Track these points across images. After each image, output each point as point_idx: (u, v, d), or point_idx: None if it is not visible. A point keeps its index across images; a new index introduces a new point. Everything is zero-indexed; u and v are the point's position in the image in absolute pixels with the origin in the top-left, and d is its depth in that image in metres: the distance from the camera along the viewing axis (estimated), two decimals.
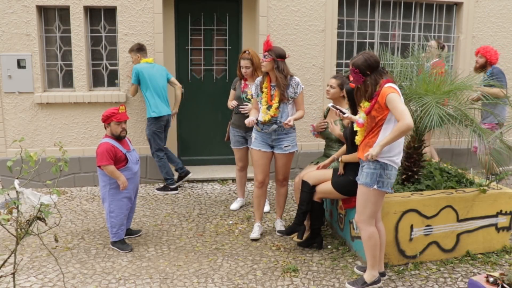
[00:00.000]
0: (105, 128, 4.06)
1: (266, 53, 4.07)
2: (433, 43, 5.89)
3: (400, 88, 4.15)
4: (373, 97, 3.25)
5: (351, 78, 3.34)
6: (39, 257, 3.94)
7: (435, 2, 6.50)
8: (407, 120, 3.04)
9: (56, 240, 2.78)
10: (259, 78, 4.32)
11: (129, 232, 4.35)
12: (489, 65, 5.84)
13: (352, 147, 3.67)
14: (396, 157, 3.27)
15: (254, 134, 4.38)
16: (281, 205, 4.57)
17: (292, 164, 6.22)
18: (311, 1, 6.05)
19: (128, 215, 4.25)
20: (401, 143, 3.30)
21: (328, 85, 4.36)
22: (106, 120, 3.99)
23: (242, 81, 4.83)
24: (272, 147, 4.32)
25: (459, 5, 6.56)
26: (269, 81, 4.19)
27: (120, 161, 3.98)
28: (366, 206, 3.31)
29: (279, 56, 4.09)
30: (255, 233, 4.39)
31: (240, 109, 4.74)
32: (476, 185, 4.14)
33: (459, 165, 6.05)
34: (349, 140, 3.80)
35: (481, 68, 5.86)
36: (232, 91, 5.00)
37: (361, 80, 3.25)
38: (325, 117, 4.56)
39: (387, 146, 3.17)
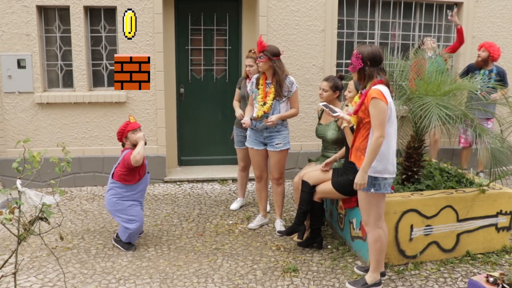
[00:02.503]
0: (123, 145, 4.12)
1: (261, 53, 4.17)
2: (429, 43, 5.90)
3: (400, 88, 4.18)
4: (362, 94, 3.25)
5: (351, 62, 3.28)
6: (39, 257, 3.94)
7: (435, 2, 6.50)
8: (378, 133, 3.05)
9: (62, 239, 2.79)
10: (255, 76, 4.42)
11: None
12: (490, 61, 5.87)
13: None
14: (384, 167, 3.20)
15: (248, 132, 4.51)
16: (280, 204, 4.61)
17: (292, 164, 6.26)
18: (311, 1, 6.05)
19: None
20: (383, 154, 3.18)
21: (320, 88, 4.35)
22: (123, 134, 4.05)
23: (247, 81, 4.83)
24: (265, 144, 4.41)
25: (459, 5, 6.56)
26: (264, 79, 4.31)
27: (135, 171, 4.00)
28: (370, 210, 3.31)
29: (274, 55, 4.18)
30: (252, 224, 4.64)
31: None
32: (476, 185, 4.14)
33: (459, 165, 6.07)
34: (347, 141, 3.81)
35: (483, 62, 5.87)
36: (237, 90, 5.01)
37: (358, 67, 3.21)
38: (319, 118, 4.56)
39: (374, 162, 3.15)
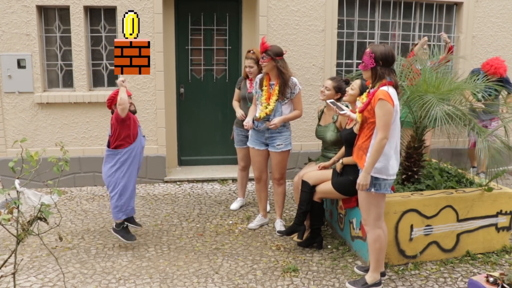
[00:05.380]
0: (112, 113, 4.07)
1: (264, 54, 4.14)
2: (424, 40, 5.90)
3: (400, 88, 4.17)
4: (369, 94, 3.25)
5: (363, 61, 3.26)
6: (39, 257, 3.94)
7: (435, 2, 6.50)
8: (382, 134, 3.07)
9: (61, 239, 2.79)
10: (259, 76, 4.39)
11: (132, 221, 4.28)
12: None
13: (350, 149, 3.67)
14: (386, 168, 3.20)
15: (250, 132, 4.49)
16: (280, 204, 4.60)
17: (292, 164, 6.26)
18: (311, 1, 6.05)
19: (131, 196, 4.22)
20: (385, 156, 3.18)
21: (323, 86, 4.35)
22: (113, 101, 4.03)
23: (248, 81, 4.82)
24: (266, 145, 4.40)
25: (459, 5, 6.56)
26: (268, 80, 4.28)
27: (126, 125, 3.97)
28: (370, 209, 3.31)
29: (277, 55, 4.15)
30: (252, 224, 4.64)
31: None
32: (476, 185, 4.14)
33: (459, 165, 6.06)
34: (346, 141, 3.80)
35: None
36: (236, 90, 4.99)
37: (370, 66, 3.20)
38: (319, 119, 4.55)
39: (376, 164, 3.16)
